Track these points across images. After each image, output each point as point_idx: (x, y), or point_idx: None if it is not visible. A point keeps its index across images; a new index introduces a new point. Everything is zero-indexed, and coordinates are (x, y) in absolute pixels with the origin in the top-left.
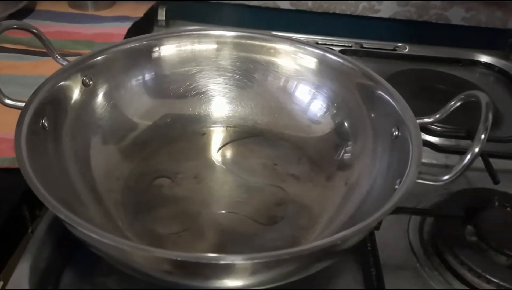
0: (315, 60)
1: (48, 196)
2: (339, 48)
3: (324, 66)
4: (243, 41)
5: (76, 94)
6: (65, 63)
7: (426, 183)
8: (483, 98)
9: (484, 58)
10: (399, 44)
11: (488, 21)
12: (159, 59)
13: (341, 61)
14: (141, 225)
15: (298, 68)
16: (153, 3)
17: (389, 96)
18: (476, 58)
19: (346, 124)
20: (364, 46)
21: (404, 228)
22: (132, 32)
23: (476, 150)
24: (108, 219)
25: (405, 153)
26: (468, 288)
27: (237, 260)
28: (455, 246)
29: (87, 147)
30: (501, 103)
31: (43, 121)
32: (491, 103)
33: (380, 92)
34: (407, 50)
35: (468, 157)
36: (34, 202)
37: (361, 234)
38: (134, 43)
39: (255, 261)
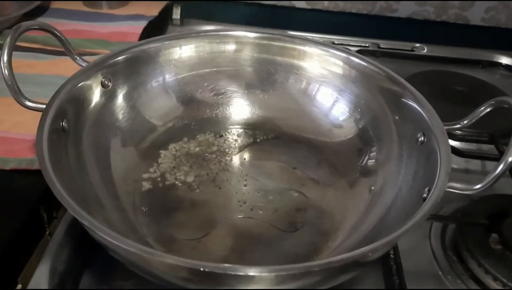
0: (338, 63)
1: (70, 200)
2: (355, 49)
3: (347, 69)
4: (263, 42)
5: (96, 95)
6: (84, 64)
7: (456, 192)
8: None
9: (504, 60)
10: (417, 44)
11: (508, 21)
12: (178, 60)
13: (365, 64)
14: (159, 229)
15: (321, 70)
16: (167, 1)
17: (415, 101)
18: (496, 60)
19: (369, 129)
20: (381, 46)
21: (426, 235)
22: (147, 31)
23: (510, 159)
24: (126, 222)
25: (433, 160)
26: None
27: (259, 272)
28: (479, 254)
29: (106, 149)
30: None
31: (63, 123)
32: None
33: (405, 96)
34: (425, 50)
35: (501, 166)
36: (51, 204)
37: (390, 245)
38: (154, 44)
39: (277, 273)
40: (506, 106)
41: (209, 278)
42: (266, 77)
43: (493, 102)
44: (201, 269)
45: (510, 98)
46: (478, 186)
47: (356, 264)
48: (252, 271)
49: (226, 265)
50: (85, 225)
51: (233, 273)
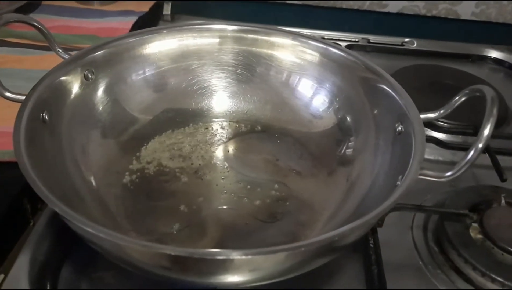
0: (317, 54)
1: (44, 190)
2: (346, 43)
3: (326, 60)
4: (244, 35)
5: (76, 88)
6: (66, 56)
7: (428, 179)
8: (488, 92)
9: (494, 54)
10: (407, 39)
11: (499, 15)
12: (160, 53)
13: (344, 55)
14: (141, 220)
15: (301, 62)
16: None
17: (393, 90)
18: (485, 54)
19: (348, 119)
20: (371, 41)
21: (408, 226)
22: (137, 26)
23: (480, 145)
24: (107, 214)
25: (408, 149)
26: (472, 288)
27: (232, 255)
28: (459, 244)
29: (86, 141)
30: (510, 99)
31: (44, 114)
32: (496, 97)
33: (383, 86)
34: (415, 45)
35: (472, 152)
36: (35, 195)
37: (361, 230)
38: (135, 37)
39: (251, 256)
40: (478, 94)
41: (185, 266)
42: (248, 69)
43: (467, 91)
44: (171, 254)
45: (483, 86)
46: (449, 173)
47: (326, 248)
48: (220, 255)
49: (195, 249)
50: (60, 213)
51: (203, 257)
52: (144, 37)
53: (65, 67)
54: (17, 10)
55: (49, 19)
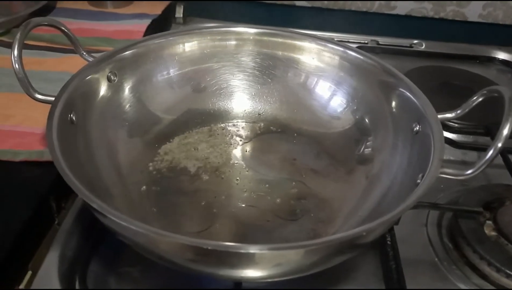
0: (336, 57)
1: (79, 185)
2: (355, 45)
3: (345, 63)
4: (264, 38)
5: (102, 89)
6: (90, 59)
7: (448, 177)
8: (506, 93)
9: (502, 55)
10: (415, 41)
11: (506, 17)
12: (182, 55)
13: (362, 58)
14: (165, 219)
15: (319, 64)
16: (170, 1)
17: (410, 92)
18: (493, 55)
19: (366, 119)
20: (380, 43)
21: (423, 223)
22: (151, 29)
23: (499, 145)
24: (133, 212)
25: (427, 148)
26: (487, 283)
27: (258, 249)
28: (474, 241)
29: (114, 140)
30: None
31: (71, 115)
32: None
33: (401, 88)
34: (423, 47)
35: (491, 152)
36: (60, 195)
37: (384, 227)
38: (159, 39)
39: (277, 251)
40: (496, 94)
41: (211, 258)
42: (266, 72)
43: (485, 91)
44: (204, 247)
45: (501, 87)
46: (469, 171)
47: (349, 245)
48: (251, 249)
49: (227, 243)
50: (95, 209)
51: (233, 250)
52: (170, 38)
53: (92, 68)
54: (32, 14)
55: (64, 22)
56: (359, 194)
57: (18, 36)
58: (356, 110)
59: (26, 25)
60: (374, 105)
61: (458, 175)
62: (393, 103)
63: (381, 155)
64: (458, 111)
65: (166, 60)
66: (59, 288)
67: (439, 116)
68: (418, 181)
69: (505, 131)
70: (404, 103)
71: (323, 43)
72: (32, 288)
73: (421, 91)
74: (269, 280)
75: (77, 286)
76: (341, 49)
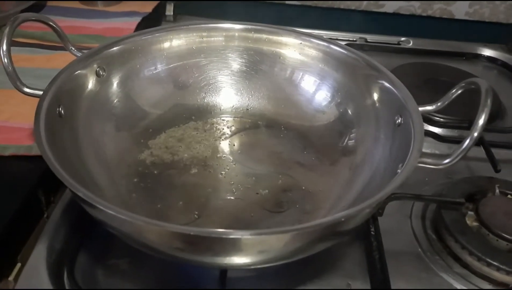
0: (320, 51)
1: (66, 176)
2: (344, 43)
3: (329, 57)
4: (250, 34)
5: (90, 83)
6: (79, 54)
7: (427, 167)
8: (483, 84)
9: (487, 52)
10: (403, 38)
11: (492, 15)
12: (170, 50)
13: (346, 52)
14: (153, 211)
15: (304, 59)
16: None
17: (392, 85)
18: (479, 52)
19: (350, 112)
20: (369, 40)
21: (407, 215)
22: (141, 27)
23: (475, 134)
24: (122, 204)
25: (408, 139)
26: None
27: (241, 235)
28: (456, 231)
29: (101, 134)
30: (504, 96)
31: (60, 109)
32: (490, 89)
33: (382, 81)
34: (411, 44)
35: (468, 141)
36: (49, 188)
37: (363, 214)
38: (147, 35)
39: (259, 236)
40: (473, 86)
41: (195, 246)
42: (253, 67)
43: (463, 84)
44: (187, 233)
45: (478, 79)
46: (447, 161)
47: (329, 231)
48: (233, 234)
49: (209, 229)
50: (82, 198)
51: (216, 236)
52: (157, 34)
53: (80, 63)
54: (23, 11)
55: (55, 20)
56: (343, 185)
57: (6, 30)
58: (340, 104)
59: (14, 20)
60: (357, 98)
61: (436, 164)
62: (376, 96)
63: (364, 146)
64: (439, 104)
65: (154, 55)
66: (47, 279)
67: (420, 108)
68: (398, 171)
69: (481, 121)
70: (386, 96)
71: (307, 38)
72: (20, 279)
73: (403, 84)
74: (254, 267)
75: (65, 278)
76: (325, 44)
